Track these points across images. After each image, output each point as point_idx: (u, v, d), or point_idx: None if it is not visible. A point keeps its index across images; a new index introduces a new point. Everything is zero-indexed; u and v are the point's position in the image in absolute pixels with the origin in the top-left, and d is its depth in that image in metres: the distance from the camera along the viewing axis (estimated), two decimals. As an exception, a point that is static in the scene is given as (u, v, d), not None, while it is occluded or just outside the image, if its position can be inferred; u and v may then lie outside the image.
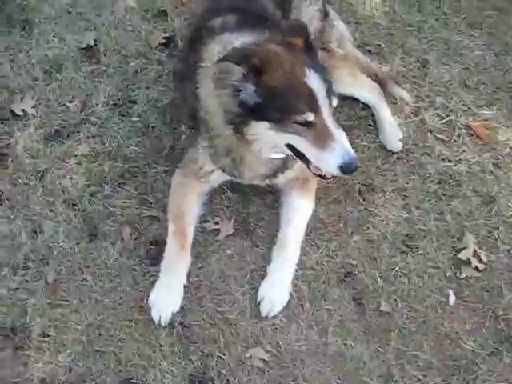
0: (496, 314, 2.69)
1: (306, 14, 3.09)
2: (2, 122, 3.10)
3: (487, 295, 2.74)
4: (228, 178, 2.76)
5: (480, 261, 2.83)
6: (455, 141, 3.21)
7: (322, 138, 2.24)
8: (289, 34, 2.37)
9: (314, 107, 2.22)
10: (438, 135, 3.21)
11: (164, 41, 3.38)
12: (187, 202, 2.77)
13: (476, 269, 2.81)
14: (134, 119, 3.13)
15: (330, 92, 2.28)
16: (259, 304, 2.64)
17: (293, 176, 2.76)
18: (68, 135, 3.07)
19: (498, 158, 3.17)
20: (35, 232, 2.81)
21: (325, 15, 3.22)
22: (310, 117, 2.22)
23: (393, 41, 3.54)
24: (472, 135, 3.24)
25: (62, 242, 2.78)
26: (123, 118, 3.13)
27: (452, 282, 2.79)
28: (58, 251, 2.76)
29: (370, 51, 3.47)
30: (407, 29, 3.61)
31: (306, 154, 2.33)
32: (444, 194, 3.03)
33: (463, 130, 3.24)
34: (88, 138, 3.06)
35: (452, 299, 2.74)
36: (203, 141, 2.66)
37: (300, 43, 2.33)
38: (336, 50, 3.24)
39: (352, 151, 2.26)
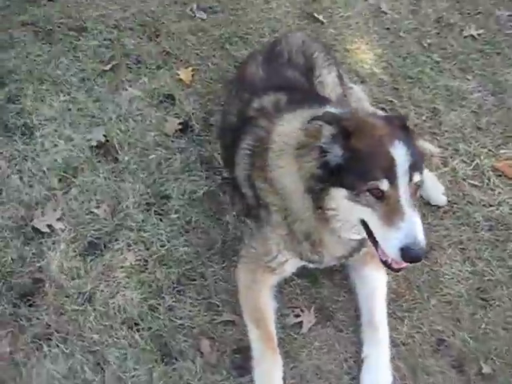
0: None
1: (330, 82, 3.07)
2: (28, 243, 2.74)
3: None
4: (303, 264, 2.60)
5: (553, 300, 2.85)
6: (487, 184, 3.25)
7: (391, 215, 2.11)
8: (388, 119, 2.34)
9: (391, 177, 2.12)
10: (472, 181, 3.25)
11: (180, 127, 3.19)
12: (263, 300, 2.57)
13: (554, 310, 2.82)
14: (172, 216, 2.89)
15: (414, 168, 2.15)
16: (365, 394, 2.48)
17: (364, 251, 2.65)
18: (105, 246, 2.77)
19: (531, 194, 3.27)
20: (99, 364, 2.47)
21: (341, 79, 3.21)
22: (384, 185, 2.11)
23: (400, 95, 3.59)
24: (500, 176, 3.31)
25: (134, 369, 2.46)
26: (161, 218, 2.88)
27: (535, 328, 2.78)
28: (133, 381, 2.43)
29: (383, 108, 3.48)
30: (409, 81, 3.68)
31: (374, 231, 2.20)
32: (497, 240, 3.04)
33: (491, 172, 3.30)
34: (129, 245, 2.78)
35: (543, 346, 2.72)
36: (277, 229, 2.50)
37: (397, 123, 2.29)
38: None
39: (421, 236, 2.08)
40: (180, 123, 3.20)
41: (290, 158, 2.39)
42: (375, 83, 3.61)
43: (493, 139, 3.46)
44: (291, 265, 2.59)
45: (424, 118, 3.50)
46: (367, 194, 2.14)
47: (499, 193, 3.22)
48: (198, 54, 3.57)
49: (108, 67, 3.39)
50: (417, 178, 2.17)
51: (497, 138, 3.47)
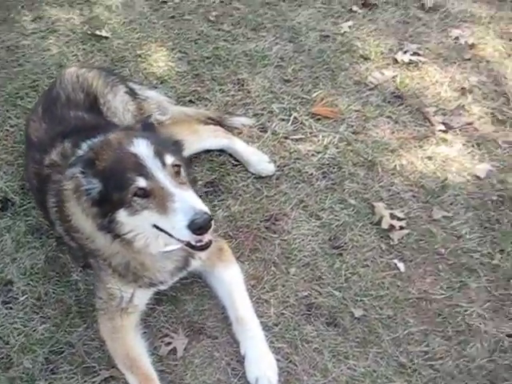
0: (441, 254, 2.88)
1: (118, 105, 3.04)
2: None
3: (425, 243, 2.90)
4: (151, 291, 2.63)
5: (398, 219, 2.97)
6: (310, 133, 3.33)
7: (164, 202, 2.15)
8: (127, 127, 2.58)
9: (143, 172, 2.18)
10: (294, 137, 3.31)
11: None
12: (130, 344, 2.56)
13: (401, 228, 2.94)
14: (21, 299, 2.77)
15: (161, 153, 2.23)
16: (257, 386, 2.54)
17: (206, 254, 2.66)
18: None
19: (352, 125, 3.35)
20: None
21: (133, 93, 3.16)
22: (141, 182, 2.17)
23: (202, 79, 3.57)
24: (319, 119, 3.39)
25: None
26: (10, 305, 2.76)
27: (391, 251, 2.89)
28: None
29: (191, 100, 3.47)
30: (207, 62, 3.69)
31: (162, 227, 2.22)
32: (334, 184, 3.14)
33: (310, 120, 3.38)
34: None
35: (401, 266, 2.84)
36: (108, 270, 2.51)
37: (138, 126, 2.47)
38: (162, 118, 3.20)
39: (198, 205, 2.12)
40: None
41: (75, 203, 2.43)
42: (175, 78, 3.58)
43: (302, 86, 3.54)
44: (139, 298, 2.59)
45: (232, 93, 3.51)
46: (135, 199, 2.19)
47: (323, 136, 3.31)
48: (-9, 123, 3.44)
49: None
50: (169, 159, 2.24)
51: (306, 83, 3.55)
